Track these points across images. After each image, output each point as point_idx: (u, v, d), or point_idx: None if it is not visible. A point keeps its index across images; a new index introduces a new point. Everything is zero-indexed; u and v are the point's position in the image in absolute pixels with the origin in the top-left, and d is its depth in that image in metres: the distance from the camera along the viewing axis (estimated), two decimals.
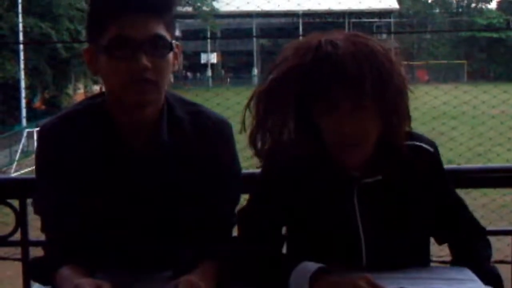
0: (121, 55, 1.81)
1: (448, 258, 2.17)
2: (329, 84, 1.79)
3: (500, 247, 2.14)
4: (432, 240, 2.12)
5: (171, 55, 1.87)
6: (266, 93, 1.89)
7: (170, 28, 1.88)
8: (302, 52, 1.85)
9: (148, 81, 1.82)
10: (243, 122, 1.92)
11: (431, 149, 1.99)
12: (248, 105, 1.92)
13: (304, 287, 1.77)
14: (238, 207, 2.06)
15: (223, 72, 50.59)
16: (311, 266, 1.80)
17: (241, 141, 2.03)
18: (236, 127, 2.04)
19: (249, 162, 2.08)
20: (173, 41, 1.88)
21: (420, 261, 2.03)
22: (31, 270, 2.23)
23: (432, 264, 2.14)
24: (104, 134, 1.91)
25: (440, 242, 2.11)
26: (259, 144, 1.94)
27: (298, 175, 1.96)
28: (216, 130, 1.99)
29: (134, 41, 1.80)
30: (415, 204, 1.97)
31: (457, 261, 2.04)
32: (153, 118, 1.92)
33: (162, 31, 1.84)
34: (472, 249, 2.04)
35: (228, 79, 46.34)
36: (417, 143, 1.98)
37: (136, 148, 1.92)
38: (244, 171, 2.10)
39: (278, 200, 1.97)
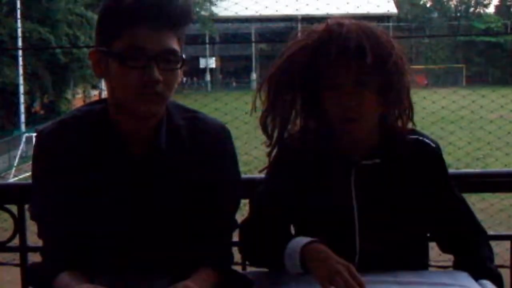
0: (133, 65, 1.79)
1: (446, 264, 2.17)
2: (333, 59, 1.88)
3: (499, 252, 2.14)
4: (431, 245, 2.12)
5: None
6: (276, 76, 1.98)
7: (181, 41, 1.87)
8: (309, 35, 1.96)
9: (157, 94, 1.81)
10: (254, 107, 2.03)
11: (433, 145, 2.03)
12: (259, 91, 2.02)
13: (295, 255, 1.84)
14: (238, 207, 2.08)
15: (220, 77, 50.59)
16: (305, 239, 1.88)
17: (240, 147, 2.03)
18: (235, 132, 2.06)
19: (248, 167, 2.08)
20: (183, 55, 1.88)
21: (416, 255, 2.05)
22: (29, 275, 2.23)
23: (430, 269, 2.14)
24: (103, 140, 1.91)
25: (443, 248, 2.11)
26: (269, 128, 2.03)
27: (303, 159, 2.03)
28: (214, 136, 1.99)
29: (148, 52, 1.79)
30: (412, 194, 1.99)
31: (459, 262, 2.04)
32: (153, 125, 1.92)
33: (175, 45, 1.84)
34: (473, 249, 2.05)
35: (234, 83, 46.42)
36: (421, 138, 2.03)
37: (135, 155, 1.92)
38: (243, 176, 2.10)
39: (287, 184, 2.04)
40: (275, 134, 2.03)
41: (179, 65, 1.85)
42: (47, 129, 1.95)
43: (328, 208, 1.99)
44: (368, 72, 1.88)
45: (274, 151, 2.07)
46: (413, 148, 2.01)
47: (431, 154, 2.02)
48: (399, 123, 2.00)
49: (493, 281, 1.91)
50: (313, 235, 1.94)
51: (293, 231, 2.14)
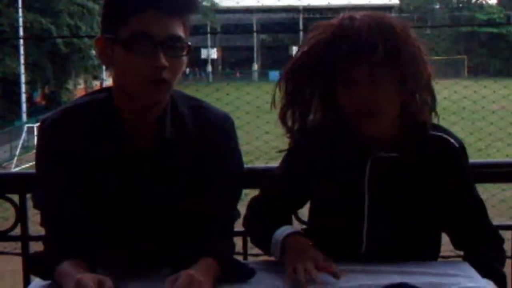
0: (140, 51, 1.79)
1: (448, 253, 2.17)
2: (346, 54, 1.87)
3: None
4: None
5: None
6: (294, 70, 1.98)
7: (187, 28, 1.87)
8: (325, 29, 1.94)
9: (164, 80, 1.81)
10: (274, 100, 2.02)
11: (457, 144, 1.99)
12: (279, 84, 2.01)
13: (277, 245, 1.93)
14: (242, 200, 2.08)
15: (220, 68, 50.58)
16: (289, 229, 1.95)
17: (241, 137, 2.04)
18: (236, 122, 2.06)
19: (249, 157, 2.09)
20: (189, 42, 1.88)
21: (423, 250, 2.03)
22: (31, 264, 2.23)
23: (440, 259, 2.13)
24: (106, 129, 1.91)
25: (456, 245, 2.10)
26: (289, 122, 2.02)
27: (321, 149, 2.03)
28: (218, 125, 1.99)
29: (154, 39, 1.79)
30: (427, 191, 1.98)
31: (467, 257, 2.03)
32: (158, 113, 1.92)
33: (181, 31, 1.84)
34: (483, 251, 2.02)
35: (236, 74, 46.36)
36: (444, 135, 2.00)
37: (140, 143, 1.92)
38: (245, 166, 2.10)
39: (300, 176, 2.06)
40: (295, 127, 2.02)
41: (185, 52, 1.85)
42: (50, 118, 1.95)
43: (339, 195, 2.00)
44: (381, 66, 1.85)
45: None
46: (435, 145, 1.97)
47: (453, 154, 1.99)
48: (421, 115, 1.96)
49: (496, 282, 1.90)
50: (322, 220, 2.02)
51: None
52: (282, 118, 2.02)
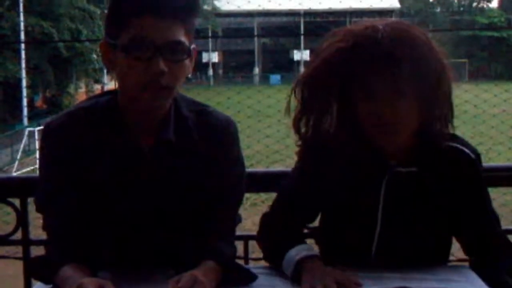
0: (139, 56, 1.80)
1: (450, 258, 2.17)
2: (368, 67, 1.83)
3: None
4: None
5: (188, 60, 1.87)
6: (312, 77, 1.94)
7: (190, 33, 1.87)
8: (345, 37, 1.89)
9: (163, 86, 1.82)
10: (289, 106, 1.97)
11: (473, 156, 1.97)
12: (294, 90, 1.97)
13: (291, 267, 1.87)
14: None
15: (221, 72, 50.61)
16: (305, 251, 1.89)
17: (242, 141, 2.04)
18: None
19: (250, 161, 2.09)
20: (192, 47, 1.88)
21: (433, 258, 2.02)
22: (32, 269, 2.23)
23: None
24: (111, 132, 1.91)
25: (467, 253, 2.09)
26: (303, 129, 1.98)
27: (336, 160, 1.97)
28: (222, 129, 1.99)
29: (153, 43, 1.79)
30: (441, 206, 1.96)
31: (476, 265, 2.01)
32: (161, 116, 1.92)
33: (182, 36, 1.84)
34: (493, 261, 2.01)
35: (237, 77, 46.31)
36: (460, 146, 1.97)
37: (142, 146, 1.92)
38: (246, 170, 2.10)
39: (313, 186, 2.01)
40: (308, 135, 1.98)
41: (185, 57, 1.85)
42: (54, 121, 1.96)
43: (353, 207, 1.97)
44: (404, 80, 1.81)
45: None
46: (452, 157, 1.95)
47: (469, 166, 1.97)
48: (438, 125, 1.93)
49: None
50: (333, 228, 2.00)
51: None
52: (296, 125, 1.98)
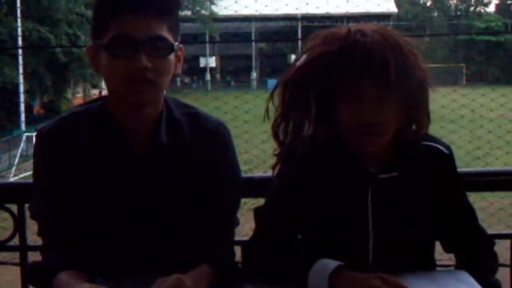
0: (121, 54, 1.82)
1: (447, 262, 2.17)
2: (356, 71, 1.83)
3: (498, 251, 2.13)
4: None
5: (172, 56, 1.88)
6: (292, 81, 1.92)
7: (174, 31, 1.88)
8: (330, 40, 1.88)
9: (148, 81, 1.82)
10: (267, 112, 1.95)
11: (447, 151, 1.99)
12: (272, 95, 1.95)
13: (323, 283, 1.80)
14: (239, 207, 2.07)
15: (218, 76, 50.64)
16: (331, 263, 1.83)
17: (240, 146, 2.03)
18: (235, 131, 2.05)
19: (248, 166, 2.08)
20: (176, 44, 1.89)
21: (425, 261, 2.03)
22: (29, 274, 2.23)
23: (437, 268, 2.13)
24: (103, 136, 1.92)
25: (447, 249, 2.10)
26: (281, 135, 1.95)
27: (316, 168, 1.96)
28: (214, 133, 1.99)
29: (134, 40, 1.81)
30: (426, 205, 1.98)
31: (461, 266, 2.03)
32: (152, 120, 1.92)
33: (163, 32, 1.85)
34: (478, 258, 2.03)
35: (234, 82, 46.23)
36: (433, 144, 1.99)
37: (136, 150, 1.92)
38: (243, 175, 2.10)
39: (296, 198, 1.98)
40: (287, 141, 1.96)
41: (168, 52, 1.86)
42: (47, 127, 1.96)
43: (343, 223, 1.96)
44: (391, 87, 1.82)
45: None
46: (427, 155, 1.97)
47: (444, 161, 1.99)
48: (414, 129, 1.95)
49: None
50: (323, 245, 1.95)
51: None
52: (276, 131, 1.95)
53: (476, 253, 2.05)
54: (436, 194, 1.98)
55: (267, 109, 1.95)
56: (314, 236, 2.04)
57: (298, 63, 1.93)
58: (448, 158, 2.00)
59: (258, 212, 2.04)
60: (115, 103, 1.91)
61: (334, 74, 1.86)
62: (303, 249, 2.05)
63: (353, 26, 1.91)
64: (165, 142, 1.92)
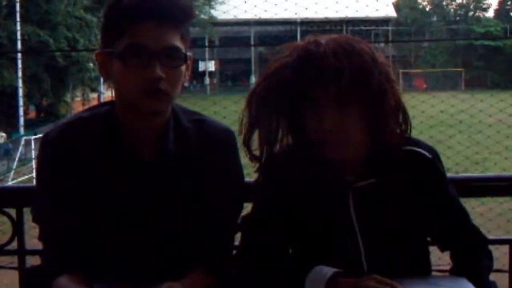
0: (135, 63, 1.80)
1: (447, 267, 2.17)
2: (311, 78, 1.83)
3: (497, 256, 2.13)
4: (431, 249, 2.11)
5: (184, 66, 1.87)
6: (257, 94, 1.93)
7: (185, 39, 1.88)
8: (290, 52, 1.90)
9: (161, 91, 1.81)
10: (241, 125, 1.95)
11: (429, 155, 1.97)
12: (245, 108, 1.95)
13: (319, 285, 1.81)
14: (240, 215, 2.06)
15: (217, 80, 50.68)
16: (327, 270, 1.83)
17: (239, 150, 2.03)
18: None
19: (246, 170, 2.08)
20: (188, 53, 1.88)
21: (420, 266, 2.02)
22: (27, 279, 2.22)
23: (433, 273, 2.13)
24: (110, 142, 1.90)
25: (442, 249, 2.10)
26: (252, 147, 1.96)
27: (294, 181, 1.96)
28: (221, 139, 1.99)
29: (149, 50, 1.80)
30: (411, 209, 1.96)
31: (457, 270, 2.03)
32: (160, 127, 1.92)
33: (177, 42, 1.84)
34: (472, 259, 2.02)
35: (233, 86, 46.20)
36: (415, 149, 1.97)
37: (142, 157, 1.91)
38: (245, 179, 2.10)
39: (278, 208, 1.97)
40: (263, 153, 1.96)
41: (182, 62, 1.85)
42: (53, 131, 1.95)
43: (328, 231, 1.95)
44: (347, 93, 1.82)
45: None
46: (408, 160, 1.95)
47: (426, 166, 1.97)
48: (392, 139, 1.92)
49: None
50: (314, 257, 1.93)
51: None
52: (247, 145, 1.96)
53: (471, 253, 2.03)
54: (421, 198, 1.97)
55: (241, 122, 1.95)
56: (305, 249, 2.03)
57: (260, 78, 1.95)
58: (430, 162, 1.98)
59: (244, 221, 2.04)
60: (124, 110, 1.90)
61: (293, 85, 1.87)
62: (296, 259, 2.04)
63: (311, 37, 1.91)
64: (172, 149, 1.92)
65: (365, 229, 1.94)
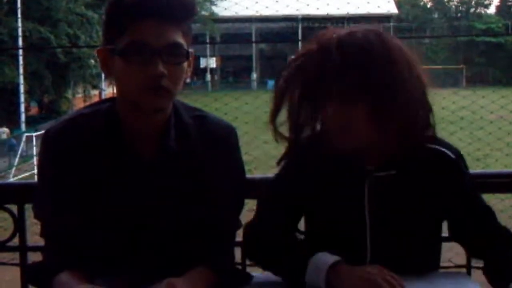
0: (137, 60, 1.80)
1: (445, 263, 2.16)
2: (323, 71, 1.86)
3: None
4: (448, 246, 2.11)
5: (186, 63, 1.87)
6: (284, 81, 1.97)
7: (187, 36, 1.87)
8: (315, 41, 1.93)
9: (163, 88, 1.81)
10: (274, 113, 2.00)
11: (453, 156, 1.98)
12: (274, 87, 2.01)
13: (320, 278, 1.83)
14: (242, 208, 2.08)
15: (218, 77, 50.71)
16: (329, 257, 1.86)
17: (241, 147, 2.04)
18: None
19: (248, 167, 2.09)
20: (190, 50, 1.88)
21: (425, 264, 2.02)
22: (29, 275, 2.23)
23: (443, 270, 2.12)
24: (111, 139, 1.90)
25: (473, 254, 2.10)
26: (285, 132, 2.00)
27: (315, 164, 2.00)
28: (222, 136, 1.99)
29: (152, 47, 1.79)
30: (425, 206, 1.97)
31: (493, 268, 1.99)
32: (161, 124, 1.92)
33: (179, 39, 1.84)
34: (502, 254, 1.98)
35: (234, 83, 46.20)
36: (439, 147, 1.99)
37: (143, 154, 1.91)
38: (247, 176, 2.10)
39: (296, 190, 2.02)
40: (292, 137, 2.01)
41: (184, 59, 1.85)
42: (55, 128, 1.94)
43: (339, 216, 1.98)
44: (350, 88, 1.84)
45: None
46: (431, 158, 1.97)
47: (449, 166, 1.98)
48: (416, 130, 1.94)
49: None
50: (321, 240, 1.98)
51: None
52: (272, 123, 2.00)
53: (504, 250, 1.99)
54: (441, 197, 1.97)
55: (273, 108, 1.99)
56: (312, 230, 2.08)
57: (289, 64, 1.98)
58: (453, 162, 1.98)
59: (261, 198, 2.10)
60: (125, 107, 1.90)
61: (306, 74, 1.91)
62: (302, 242, 2.09)
63: (337, 29, 1.95)
64: (173, 147, 1.92)
65: (375, 220, 1.95)
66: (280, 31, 48.62)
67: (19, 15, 27.26)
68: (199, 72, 47.58)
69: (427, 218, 1.98)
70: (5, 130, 26.59)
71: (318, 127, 2.01)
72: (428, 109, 1.97)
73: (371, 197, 1.96)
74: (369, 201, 1.96)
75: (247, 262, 2.25)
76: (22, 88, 26.86)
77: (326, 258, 1.86)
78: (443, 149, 1.99)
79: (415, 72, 1.92)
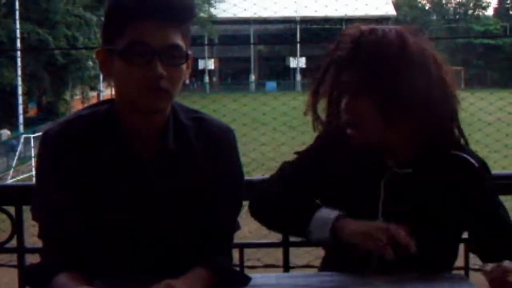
0: (136, 61, 1.79)
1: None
2: (342, 65, 1.93)
3: None
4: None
5: (185, 65, 1.87)
6: (319, 72, 2.02)
7: (186, 38, 1.87)
8: (346, 32, 1.98)
9: (162, 89, 1.81)
10: (309, 105, 2.07)
11: (476, 164, 1.98)
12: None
13: (326, 228, 1.91)
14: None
15: (217, 78, 50.76)
16: (333, 212, 1.94)
17: (238, 148, 2.04)
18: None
19: (246, 169, 2.09)
20: (188, 51, 1.88)
21: (429, 267, 2.00)
22: (27, 276, 2.22)
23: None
24: (110, 140, 1.90)
25: (482, 257, 2.05)
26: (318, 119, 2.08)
27: (342, 155, 2.04)
28: (221, 137, 1.99)
29: (151, 48, 1.79)
30: (442, 209, 1.97)
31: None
32: (160, 125, 1.92)
33: (179, 40, 1.83)
34: None
35: (233, 85, 46.32)
36: (462, 154, 1.99)
37: (142, 155, 1.91)
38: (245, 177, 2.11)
39: (320, 169, 2.08)
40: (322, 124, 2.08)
41: (183, 61, 1.85)
42: (53, 129, 1.94)
43: (353, 206, 1.98)
44: (361, 83, 1.87)
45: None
46: (452, 163, 1.97)
47: (471, 174, 1.97)
48: (440, 132, 1.96)
49: None
50: None
51: None
52: (313, 110, 2.06)
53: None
54: (459, 204, 1.97)
55: (309, 101, 2.06)
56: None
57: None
58: (475, 171, 1.98)
59: (283, 164, 2.18)
60: (124, 109, 1.89)
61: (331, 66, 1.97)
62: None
63: (356, 25, 1.98)
64: (172, 148, 1.92)
65: (387, 212, 1.96)
66: (278, 33, 48.68)
67: (17, 17, 27.27)
68: (197, 74, 47.57)
69: (442, 220, 1.97)
70: (7, 132, 26.60)
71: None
72: (450, 113, 1.97)
73: (387, 192, 1.98)
74: (384, 195, 1.98)
75: (245, 264, 2.26)
76: (20, 90, 26.87)
77: (330, 213, 1.93)
78: (466, 156, 1.99)
79: (436, 75, 1.92)
